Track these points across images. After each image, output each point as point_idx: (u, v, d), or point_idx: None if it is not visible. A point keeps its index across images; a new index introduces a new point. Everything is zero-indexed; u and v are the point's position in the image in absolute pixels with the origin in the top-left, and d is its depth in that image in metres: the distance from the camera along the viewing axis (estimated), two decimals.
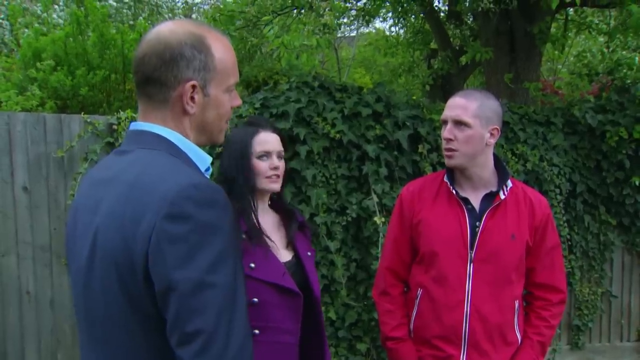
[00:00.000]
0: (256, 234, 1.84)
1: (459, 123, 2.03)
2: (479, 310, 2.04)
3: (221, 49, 1.26)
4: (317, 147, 3.79)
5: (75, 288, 1.27)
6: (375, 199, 3.84)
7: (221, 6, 4.41)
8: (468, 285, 2.05)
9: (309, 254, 1.99)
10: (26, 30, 7.80)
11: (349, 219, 3.85)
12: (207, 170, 1.32)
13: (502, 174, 2.12)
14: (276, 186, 1.95)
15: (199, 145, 1.30)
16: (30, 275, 3.45)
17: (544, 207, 2.13)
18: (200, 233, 1.08)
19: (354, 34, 12.21)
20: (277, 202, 2.04)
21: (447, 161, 2.09)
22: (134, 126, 1.28)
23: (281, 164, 1.96)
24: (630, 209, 4.50)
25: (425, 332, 2.14)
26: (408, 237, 2.21)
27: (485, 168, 2.10)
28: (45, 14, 8.59)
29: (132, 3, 9.03)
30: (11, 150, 3.37)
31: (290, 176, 3.85)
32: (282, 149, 1.99)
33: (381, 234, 3.79)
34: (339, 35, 10.03)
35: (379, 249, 3.77)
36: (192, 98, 1.23)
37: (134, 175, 1.16)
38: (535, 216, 2.09)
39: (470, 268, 2.05)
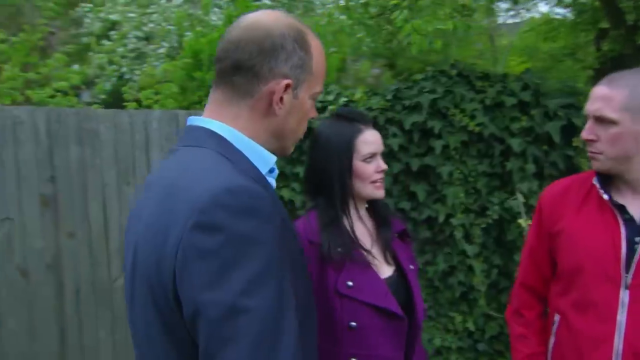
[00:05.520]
0: (349, 248, 1.59)
1: (601, 120, 1.60)
2: (635, 349, 1.60)
3: (318, 52, 1.14)
4: (454, 141, 3.47)
5: (126, 300, 1.16)
6: (521, 199, 3.41)
7: None
8: (621, 316, 1.61)
9: (411, 267, 1.72)
10: (188, 33, 8.32)
11: (490, 220, 3.48)
12: (272, 171, 1.16)
13: None
14: (382, 192, 1.71)
15: None
16: None
17: None
18: (235, 247, 0.90)
19: (510, 20, 11.37)
20: (374, 208, 1.78)
21: (591, 164, 1.69)
22: (189, 121, 1.15)
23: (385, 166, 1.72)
24: None
25: None
26: (547, 249, 1.81)
27: None
28: (206, 17, 9.08)
29: (286, 1, 9.21)
30: (148, 147, 3.46)
31: (424, 173, 3.58)
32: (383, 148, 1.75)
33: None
34: (499, 22, 9.35)
35: None
36: (281, 98, 1.09)
37: (171, 179, 1.02)
38: None
39: (624, 294, 1.61)
